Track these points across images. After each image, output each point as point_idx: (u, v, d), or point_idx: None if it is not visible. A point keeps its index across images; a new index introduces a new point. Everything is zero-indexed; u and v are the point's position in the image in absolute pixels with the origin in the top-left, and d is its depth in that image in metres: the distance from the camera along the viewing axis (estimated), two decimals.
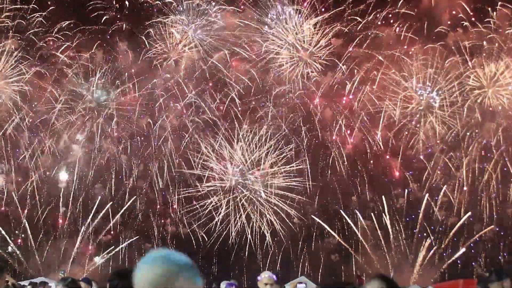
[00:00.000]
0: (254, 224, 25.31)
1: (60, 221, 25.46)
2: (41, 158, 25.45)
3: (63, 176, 25.63)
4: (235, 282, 9.25)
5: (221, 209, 25.44)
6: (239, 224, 25.37)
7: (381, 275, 2.96)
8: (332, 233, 25.42)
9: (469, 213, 24.53)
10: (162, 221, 26.18)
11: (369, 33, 25.67)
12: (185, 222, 25.55)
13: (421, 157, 25.40)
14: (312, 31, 25.76)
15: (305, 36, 25.92)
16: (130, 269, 5.40)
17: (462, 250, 24.39)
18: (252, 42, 25.81)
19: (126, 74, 26.05)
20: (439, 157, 25.27)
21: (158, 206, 26.11)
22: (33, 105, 25.50)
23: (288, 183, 25.41)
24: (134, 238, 25.66)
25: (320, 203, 25.26)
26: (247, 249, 25.15)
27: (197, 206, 25.48)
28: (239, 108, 25.79)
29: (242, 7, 25.66)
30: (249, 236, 25.22)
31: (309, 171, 25.41)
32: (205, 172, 25.57)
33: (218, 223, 25.32)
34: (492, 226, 24.51)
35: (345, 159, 25.83)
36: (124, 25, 26.00)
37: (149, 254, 2.06)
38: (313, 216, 25.06)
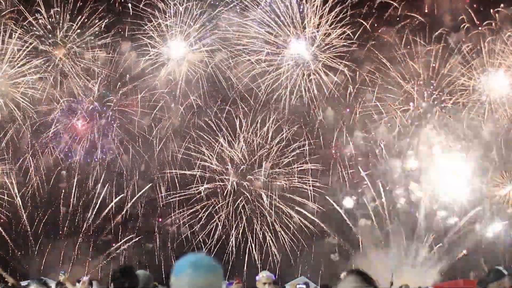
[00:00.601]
0: (255, 225, 25.39)
1: (61, 221, 25.56)
2: (42, 159, 25.54)
3: (65, 177, 25.72)
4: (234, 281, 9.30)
5: (222, 210, 25.53)
6: (240, 225, 25.46)
7: (357, 270, 2.95)
8: (332, 233, 25.49)
9: (471, 213, 24.59)
10: (163, 222, 26.22)
11: (371, 35, 25.72)
12: (186, 223, 25.63)
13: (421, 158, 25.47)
14: (314, 32, 25.79)
15: (307, 38, 25.95)
16: (133, 267, 5.34)
17: (463, 250, 24.42)
18: (253, 43, 25.85)
19: (128, 75, 26.12)
20: (440, 158, 25.30)
21: (159, 207, 26.15)
22: (35, 106, 25.56)
23: (289, 184, 25.50)
24: (136, 239, 25.73)
25: (320, 203, 25.30)
26: (247, 249, 25.23)
27: (198, 207, 25.58)
28: (241, 110, 25.86)
29: (245, 8, 25.69)
30: (249, 237, 25.30)
31: (310, 172, 25.52)
32: (206, 174, 25.66)
33: (220, 224, 25.40)
34: (497, 224, 24.61)
35: (345, 159, 25.93)
36: (126, 27, 26.05)
37: (190, 260, 2.19)
38: (313, 217, 25.11)
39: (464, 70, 25.05)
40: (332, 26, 25.55)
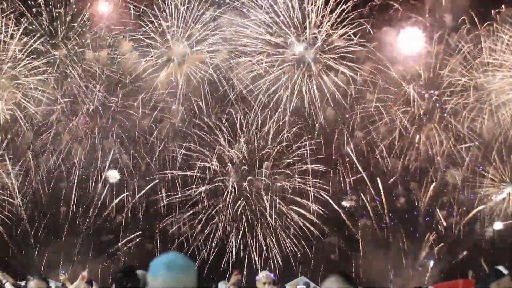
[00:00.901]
0: (256, 225, 25.39)
1: (61, 221, 25.56)
2: (43, 159, 25.56)
3: (65, 177, 25.75)
4: None
5: (222, 211, 25.54)
6: (240, 225, 25.46)
7: (340, 272, 2.97)
8: (332, 234, 25.50)
9: (471, 214, 24.62)
10: (163, 222, 26.23)
11: (372, 36, 25.71)
12: (186, 224, 25.63)
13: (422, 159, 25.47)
14: (315, 33, 25.79)
15: (308, 38, 25.94)
16: (134, 268, 5.32)
17: (463, 251, 24.44)
18: (254, 44, 25.84)
19: (128, 76, 26.12)
20: (440, 158, 25.30)
21: (160, 207, 26.15)
22: (36, 107, 25.57)
23: (289, 185, 25.51)
24: (137, 240, 25.73)
25: (320, 204, 25.31)
26: (247, 249, 25.23)
27: (199, 208, 25.59)
28: (241, 111, 25.85)
29: (245, 9, 25.68)
30: (250, 238, 25.30)
31: (310, 172, 25.52)
32: (206, 175, 25.68)
33: (220, 224, 25.41)
34: (497, 224, 24.62)
35: (346, 160, 25.93)
36: (127, 27, 26.05)
37: (164, 261, 2.21)
38: (312, 217, 25.12)
39: (465, 71, 25.04)
40: (334, 27, 25.56)
